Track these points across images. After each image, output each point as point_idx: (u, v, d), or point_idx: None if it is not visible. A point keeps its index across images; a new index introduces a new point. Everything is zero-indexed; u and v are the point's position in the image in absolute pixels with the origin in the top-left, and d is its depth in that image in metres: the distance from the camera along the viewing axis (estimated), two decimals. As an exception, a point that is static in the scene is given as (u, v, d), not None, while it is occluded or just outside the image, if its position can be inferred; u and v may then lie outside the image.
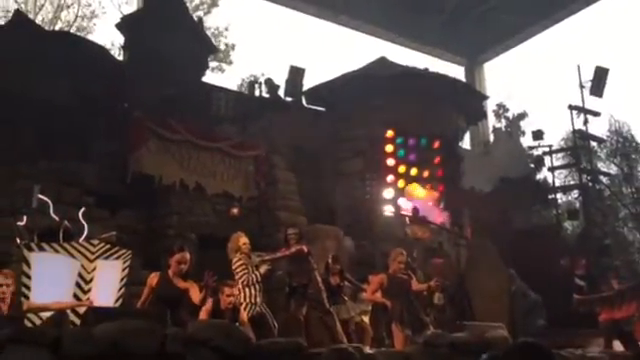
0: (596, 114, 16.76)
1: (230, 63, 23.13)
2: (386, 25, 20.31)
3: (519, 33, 20.85)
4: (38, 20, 19.19)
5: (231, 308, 6.35)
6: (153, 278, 6.30)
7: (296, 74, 14.41)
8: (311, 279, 7.65)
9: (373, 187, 13.21)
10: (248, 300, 7.07)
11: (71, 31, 19.08)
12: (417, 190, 13.67)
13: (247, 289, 7.14)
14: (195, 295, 6.09)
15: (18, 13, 12.18)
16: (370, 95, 13.40)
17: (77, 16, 21.99)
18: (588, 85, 16.31)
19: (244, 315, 6.62)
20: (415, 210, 12.15)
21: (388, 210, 13.00)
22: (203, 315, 6.08)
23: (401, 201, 13.26)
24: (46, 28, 17.03)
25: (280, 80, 14.39)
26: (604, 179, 18.35)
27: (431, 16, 19.38)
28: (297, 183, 12.10)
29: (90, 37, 19.13)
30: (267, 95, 14.26)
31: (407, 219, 12.55)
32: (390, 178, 13.51)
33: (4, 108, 9.61)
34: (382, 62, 15.07)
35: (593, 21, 32.05)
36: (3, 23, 12.91)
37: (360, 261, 11.16)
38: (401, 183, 13.56)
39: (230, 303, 6.32)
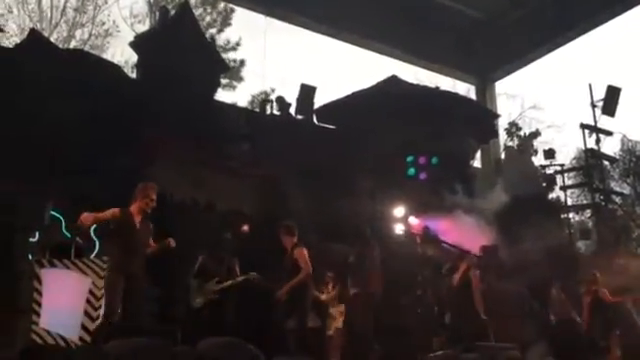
0: (608, 133, 16.68)
1: (241, 79, 23.30)
2: (396, 43, 20.38)
3: (531, 51, 20.81)
4: (53, 38, 19.46)
5: None
6: None
7: (307, 92, 14.46)
8: None
9: (384, 205, 13.15)
10: None
11: (85, 49, 19.31)
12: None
13: None
14: None
15: (33, 32, 12.35)
16: (381, 113, 13.41)
17: (91, 34, 22.31)
18: (600, 104, 16.25)
19: None
20: (426, 229, 12.07)
21: (399, 228, 12.91)
22: None
23: (412, 219, 13.17)
24: (61, 46, 17.24)
25: (291, 98, 14.47)
26: (617, 199, 18.19)
27: (442, 34, 19.44)
28: (307, 201, 12.07)
29: (104, 55, 19.40)
30: (278, 113, 14.31)
31: (418, 238, 12.46)
32: (400, 196, 13.44)
33: (18, 125, 9.71)
34: (393, 80, 15.10)
35: (605, 39, 31.99)
36: (19, 42, 13.08)
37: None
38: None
39: None
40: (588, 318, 9.36)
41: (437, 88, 16.47)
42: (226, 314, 7.65)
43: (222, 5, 23.52)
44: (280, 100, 14.49)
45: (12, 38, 19.40)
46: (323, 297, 9.92)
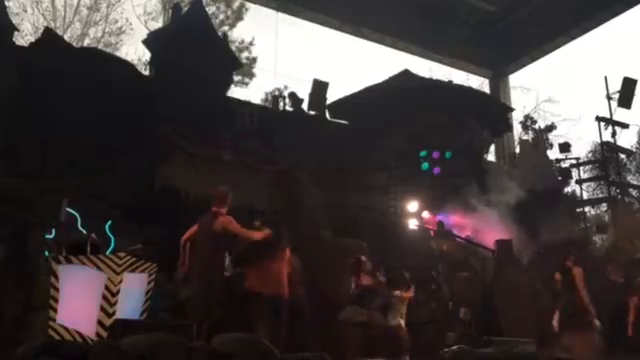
0: (624, 126, 16.52)
1: (252, 76, 23.35)
2: (410, 38, 20.31)
3: (546, 44, 20.63)
4: (67, 37, 19.61)
5: None
6: None
7: (319, 88, 14.45)
8: None
9: (397, 200, 13.13)
10: None
11: (98, 47, 19.45)
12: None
13: None
14: None
15: (48, 30, 12.44)
16: (393, 108, 13.37)
17: (105, 32, 22.48)
18: (616, 96, 16.09)
19: None
20: (440, 223, 12.04)
21: (412, 223, 12.90)
22: None
23: (425, 214, 13.15)
24: (74, 44, 17.38)
25: (303, 94, 14.48)
26: (634, 192, 18.01)
27: (456, 28, 19.32)
28: (321, 197, 12.07)
29: (117, 53, 19.52)
30: (291, 109, 14.32)
31: (432, 232, 12.44)
32: (414, 191, 13.42)
33: (33, 124, 9.81)
34: (405, 75, 15.06)
35: (621, 31, 31.53)
36: (33, 41, 13.19)
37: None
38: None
39: None
40: (634, 320, 9.41)
41: (450, 82, 16.40)
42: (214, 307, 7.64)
43: (237, 3, 23.62)
44: (293, 96, 14.50)
45: (27, 37, 19.61)
46: (406, 294, 9.28)
